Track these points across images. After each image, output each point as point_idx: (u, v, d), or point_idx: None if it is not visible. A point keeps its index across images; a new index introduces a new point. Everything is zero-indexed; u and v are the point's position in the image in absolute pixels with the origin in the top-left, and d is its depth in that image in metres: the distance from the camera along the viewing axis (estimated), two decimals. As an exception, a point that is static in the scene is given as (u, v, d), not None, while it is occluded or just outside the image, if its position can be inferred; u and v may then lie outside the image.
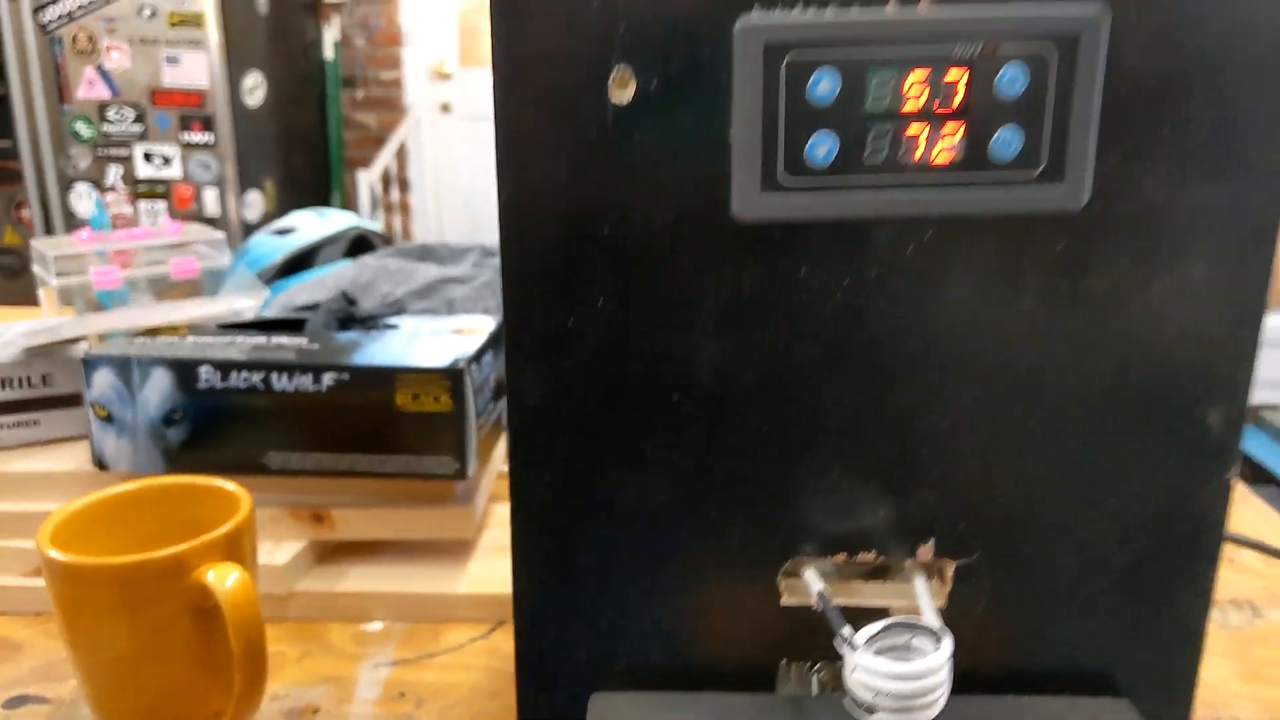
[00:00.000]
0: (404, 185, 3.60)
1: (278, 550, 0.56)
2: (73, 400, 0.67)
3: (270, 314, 0.81)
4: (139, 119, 2.75)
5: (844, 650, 0.26)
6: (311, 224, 1.22)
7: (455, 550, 0.60)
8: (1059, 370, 0.27)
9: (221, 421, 0.58)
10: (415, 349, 0.60)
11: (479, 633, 0.54)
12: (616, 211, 0.26)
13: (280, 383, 0.57)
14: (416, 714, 0.46)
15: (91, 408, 0.58)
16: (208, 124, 2.76)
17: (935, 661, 0.25)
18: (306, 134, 3.40)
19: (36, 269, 1.02)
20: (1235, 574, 0.64)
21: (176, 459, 0.58)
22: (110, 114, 2.75)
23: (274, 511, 0.57)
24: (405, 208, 3.63)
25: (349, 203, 3.55)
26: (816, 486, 0.28)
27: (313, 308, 0.85)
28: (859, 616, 0.29)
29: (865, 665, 0.25)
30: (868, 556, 0.29)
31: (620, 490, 0.28)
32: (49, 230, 2.85)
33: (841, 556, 0.29)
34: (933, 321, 0.27)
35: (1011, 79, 0.24)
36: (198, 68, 2.73)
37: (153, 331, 0.67)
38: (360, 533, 0.58)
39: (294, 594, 0.56)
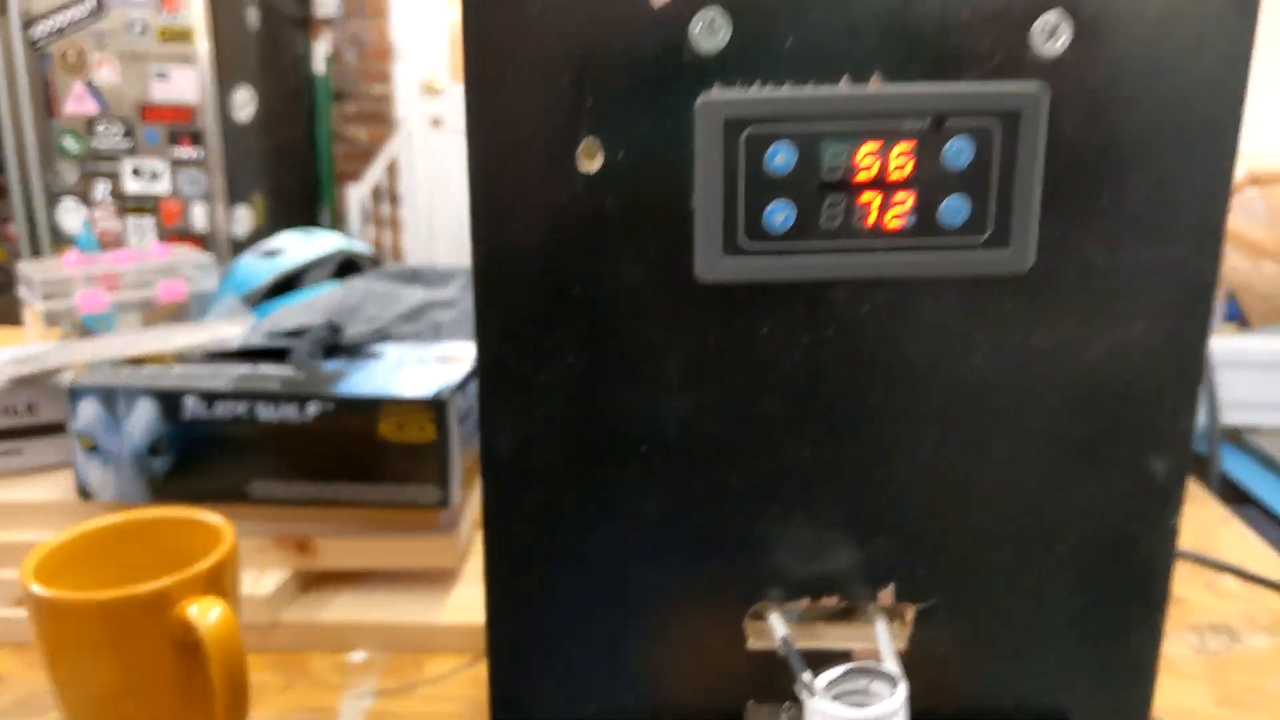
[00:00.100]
0: (395, 199, 3.60)
1: (262, 579, 0.57)
2: (57, 429, 0.67)
3: (258, 337, 0.81)
4: (128, 134, 2.75)
5: (803, 696, 0.27)
6: (299, 245, 1.22)
7: (439, 579, 0.60)
8: (1010, 423, 0.28)
9: (206, 451, 0.58)
10: (400, 378, 0.61)
11: (462, 662, 0.54)
12: (586, 273, 0.27)
13: (265, 413, 0.57)
14: (398, 746, 0.47)
15: (77, 438, 0.59)
16: (197, 139, 2.76)
17: (890, 707, 0.26)
18: (296, 148, 3.40)
19: (23, 291, 1.02)
20: (1215, 598, 0.65)
21: (161, 488, 0.58)
22: (99, 129, 2.75)
23: (258, 541, 0.58)
24: (396, 222, 3.64)
25: (339, 217, 3.55)
26: (780, 534, 0.29)
27: (300, 332, 0.85)
28: (824, 658, 0.30)
29: (822, 711, 0.26)
30: (831, 601, 0.30)
31: (591, 538, 0.29)
32: (35, 245, 2.84)
33: (805, 601, 0.30)
34: (889, 377, 0.28)
35: (958, 151, 0.25)
36: (187, 83, 2.74)
37: (138, 360, 0.67)
38: (344, 562, 0.59)
39: (277, 624, 0.56)
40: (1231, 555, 0.71)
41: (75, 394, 0.58)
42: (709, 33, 0.25)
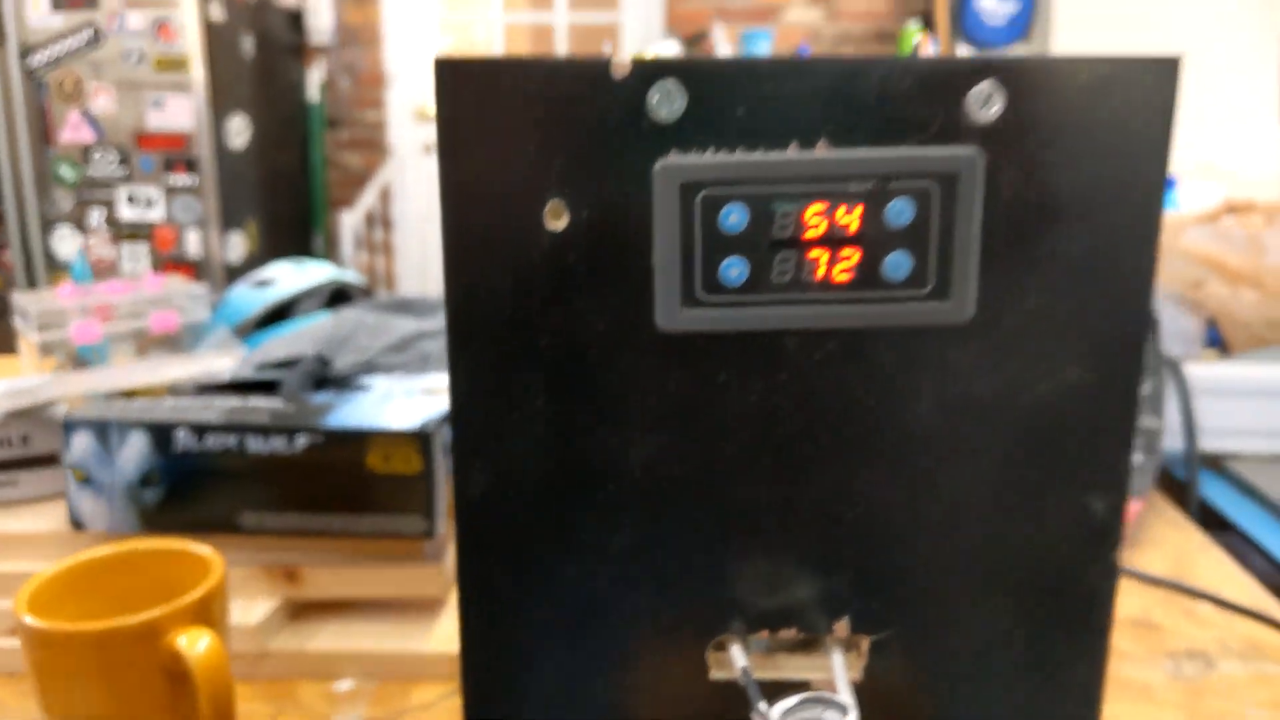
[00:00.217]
0: (387, 225, 3.62)
1: (251, 609, 0.57)
2: (51, 460, 0.67)
3: (249, 367, 0.82)
4: (123, 162, 2.77)
5: (760, 723, 0.29)
6: (291, 276, 1.24)
7: (425, 608, 0.60)
8: (956, 463, 0.30)
9: (197, 482, 0.59)
10: (387, 410, 0.61)
11: (448, 690, 0.55)
12: (554, 323, 0.28)
13: (255, 445, 0.58)
14: (382, 774, 0.48)
15: (70, 470, 0.59)
16: (191, 166, 2.78)
17: (841, 734, 0.27)
18: (290, 175, 3.42)
19: (18, 322, 1.03)
20: (1191, 625, 0.66)
21: (152, 519, 0.59)
22: (94, 157, 2.76)
23: (248, 570, 0.58)
24: (389, 247, 3.65)
25: (332, 243, 3.56)
26: (741, 568, 0.31)
27: (290, 362, 0.86)
28: (784, 688, 0.31)
29: (777, 738, 0.28)
30: (789, 632, 0.31)
31: (560, 573, 0.31)
32: (30, 272, 2.84)
33: (765, 633, 0.31)
34: (840, 420, 0.29)
35: (900, 211, 0.27)
36: (183, 111, 2.75)
37: (131, 393, 0.68)
38: (332, 591, 0.59)
39: (266, 653, 0.57)
40: (1209, 582, 0.72)
41: (69, 427, 0.59)
42: (666, 102, 0.26)
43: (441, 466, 0.58)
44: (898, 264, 0.28)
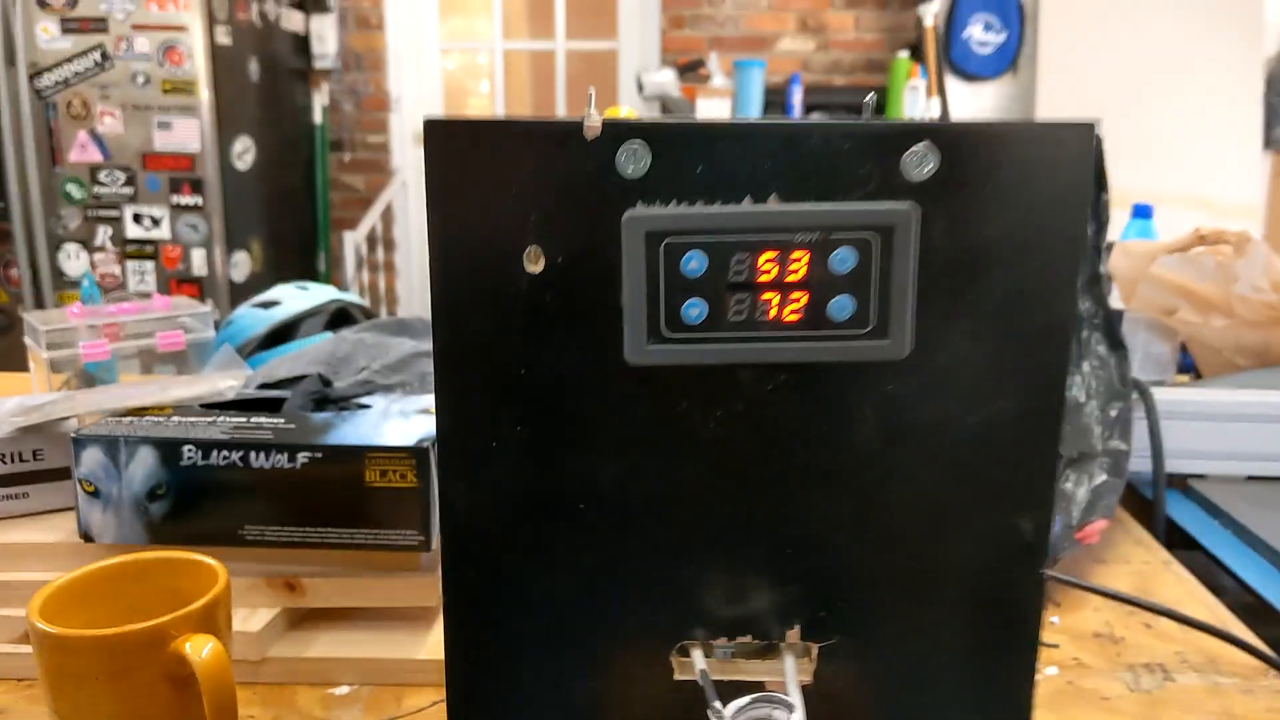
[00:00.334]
0: (389, 245, 3.65)
1: (252, 617, 0.59)
2: (62, 474, 0.69)
3: (253, 386, 0.85)
4: (129, 181, 2.80)
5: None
6: (294, 298, 1.27)
7: (419, 616, 0.62)
8: (896, 486, 0.33)
9: (202, 496, 0.61)
10: (384, 428, 0.63)
11: (441, 696, 0.57)
12: (531, 357, 0.31)
13: (258, 461, 0.60)
14: (375, 775, 0.50)
15: (79, 483, 0.61)
16: (197, 186, 2.81)
17: (787, 729, 0.30)
18: (294, 196, 3.45)
19: (29, 340, 1.06)
20: (1151, 639, 0.68)
21: (158, 531, 0.61)
22: (101, 176, 2.79)
23: (249, 580, 0.60)
24: (391, 267, 3.68)
25: (335, 263, 3.59)
26: (701, 581, 0.33)
27: (293, 380, 0.89)
28: (742, 689, 0.34)
29: (730, 733, 0.31)
30: (746, 639, 0.34)
31: (536, 584, 0.33)
32: (37, 289, 2.87)
33: (724, 639, 0.34)
34: (790, 446, 0.32)
35: (843, 258, 0.30)
36: (189, 132, 2.79)
37: (139, 410, 0.70)
38: (330, 600, 0.61)
39: (265, 659, 0.59)
40: (1171, 598, 0.74)
41: (79, 442, 0.61)
42: (633, 160, 0.30)
43: (436, 481, 0.61)
44: (841, 306, 0.31)
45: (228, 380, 0.78)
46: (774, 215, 0.30)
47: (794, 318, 0.31)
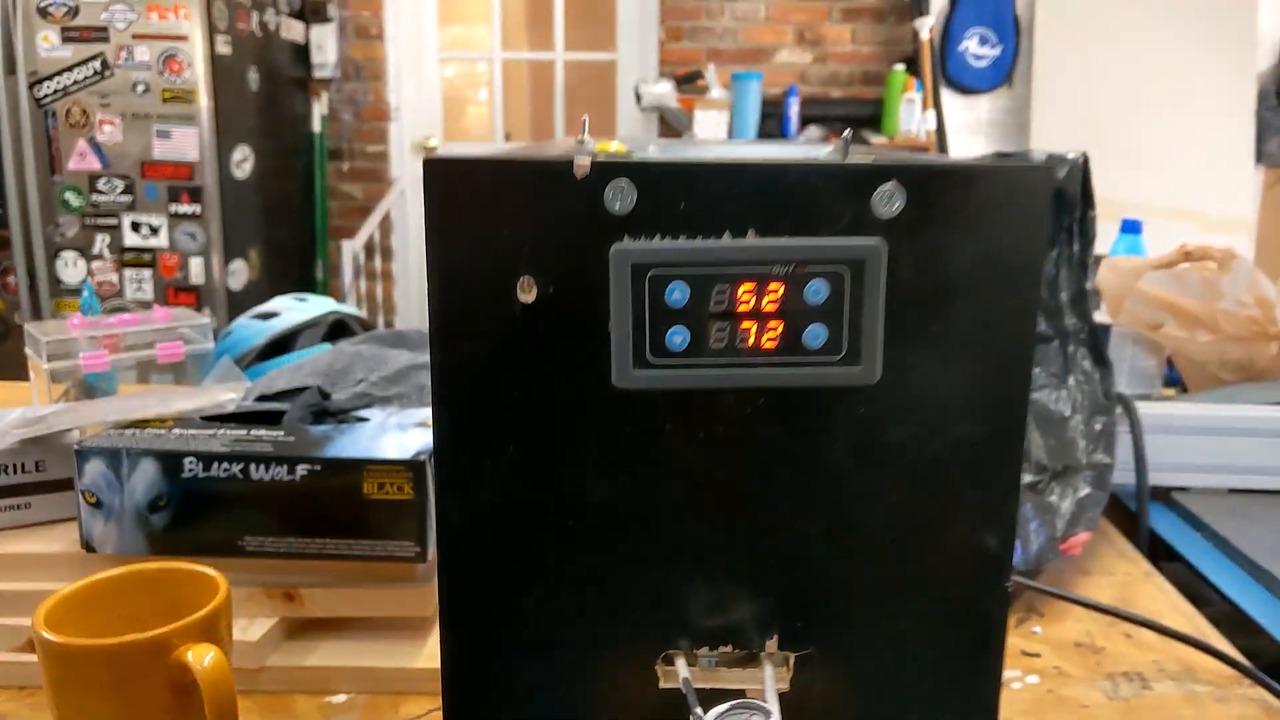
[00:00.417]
0: (387, 254, 3.66)
1: (251, 626, 0.60)
2: (63, 485, 0.70)
3: (251, 398, 0.86)
4: (128, 190, 2.80)
5: (696, 725, 0.34)
6: (293, 309, 1.28)
7: (415, 626, 0.63)
8: (869, 503, 0.34)
9: (203, 508, 0.61)
10: (382, 441, 0.64)
11: (436, 704, 0.57)
12: (525, 381, 0.33)
13: (258, 473, 0.61)
14: (372, 779, 0.51)
15: (82, 495, 0.61)
16: (195, 195, 2.81)
17: (764, 734, 0.32)
18: (292, 204, 3.46)
19: (29, 351, 1.08)
20: (1130, 648, 0.70)
21: (159, 542, 0.61)
22: (100, 185, 2.79)
23: (249, 590, 0.61)
24: (388, 275, 3.70)
25: (333, 271, 3.60)
26: (685, 593, 0.35)
27: (291, 392, 0.90)
28: (724, 696, 0.36)
29: (710, 737, 0.32)
30: (727, 649, 0.36)
31: (528, 596, 0.35)
32: (34, 297, 2.87)
33: (706, 648, 0.36)
34: (769, 465, 0.34)
35: (817, 290, 0.32)
36: (188, 141, 2.79)
37: (141, 423, 0.70)
38: (328, 610, 0.62)
39: (265, 668, 0.60)
40: (1151, 609, 0.76)
41: (82, 454, 0.62)
42: (619, 197, 0.31)
43: (433, 494, 0.60)
44: (816, 334, 0.33)
45: (228, 393, 0.79)
46: (752, 249, 0.32)
47: (771, 345, 0.33)
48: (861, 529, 0.35)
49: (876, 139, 3.32)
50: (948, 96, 3.47)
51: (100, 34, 2.73)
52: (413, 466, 0.60)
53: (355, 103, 3.59)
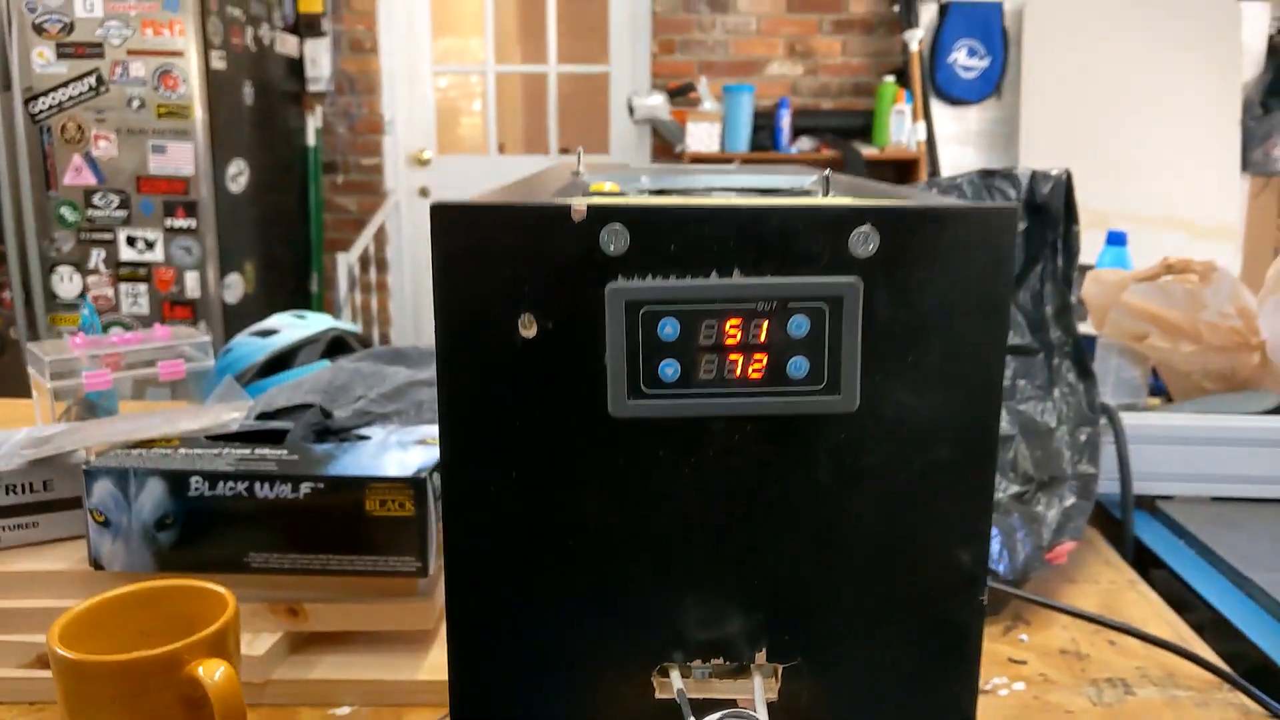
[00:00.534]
0: (382, 266, 3.68)
1: (256, 641, 0.61)
2: (70, 504, 0.71)
3: (252, 415, 0.88)
4: (124, 204, 2.81)
5: (690, 734, 0.36)
6: (292, 326, 1.30)
7: (417, 639, 0.65)
8: (850, 522, 0.37)
9: (209, 525, 0.63)
10: (384, 459, 0.65)
11: (438, 716, 0.60)
12: (527, 411, 0.35)
13: (262, 491, 0.62)
14: (378, 790, 0.53)
15: (90, 513, 0.63)
16: (191, 209, 2.83)
17: (752, 740, 0.34)
18: (287, 217, 3.47)
19: (32, 370, 1.09)
20: (1114, 655, 0.72)
21: (166, 559, 0.63)
22: (96, 200, 2.81)
23: (254, 606, 0.62)
24: (383, 287, 3.71)
25: (328, 284, 3.61)
26: (678, 609, 0.37)
27: (293, 409, 0.92)
28: (716, 705, 0.38)
29: (703, 744, 0.34)
30: (718, 661, 0.38)
31: (530, 612, 0.37)
32: (29, 310, 2.88)
33: (698, 661, 0.38)
34: (756, 489, 0.36)
35: (799, 324, 0.34)
36: (183, 156, 2.81)
37: (147, 442, 0.71)
38: (331, 625, 0.63)
39: (270, 681, 0.61)
40: (1135, 616, 0.78)
41: (91, 474, 0.63)
42: (614, 240, 0.34)
43: (433, 511, 0.62)
44: (798, 366, 0.35)
45: (232, 412, 0.81)
46: (738, 287, 0.34)
47: (757, 376, 0.35)
48: (843, 547, 0.37)
49: (867, 150, 3.35)
50: (937, 107, 3.50)
51: (95, 50, 2.74)
52: (414, 484, 0.62)
53: (349, 116, 3.61)
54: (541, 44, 3.71)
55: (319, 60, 3.49)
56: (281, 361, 1.27)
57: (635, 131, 3.64)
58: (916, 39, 3.37)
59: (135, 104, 2.77)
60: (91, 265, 2.84)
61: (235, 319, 2.94)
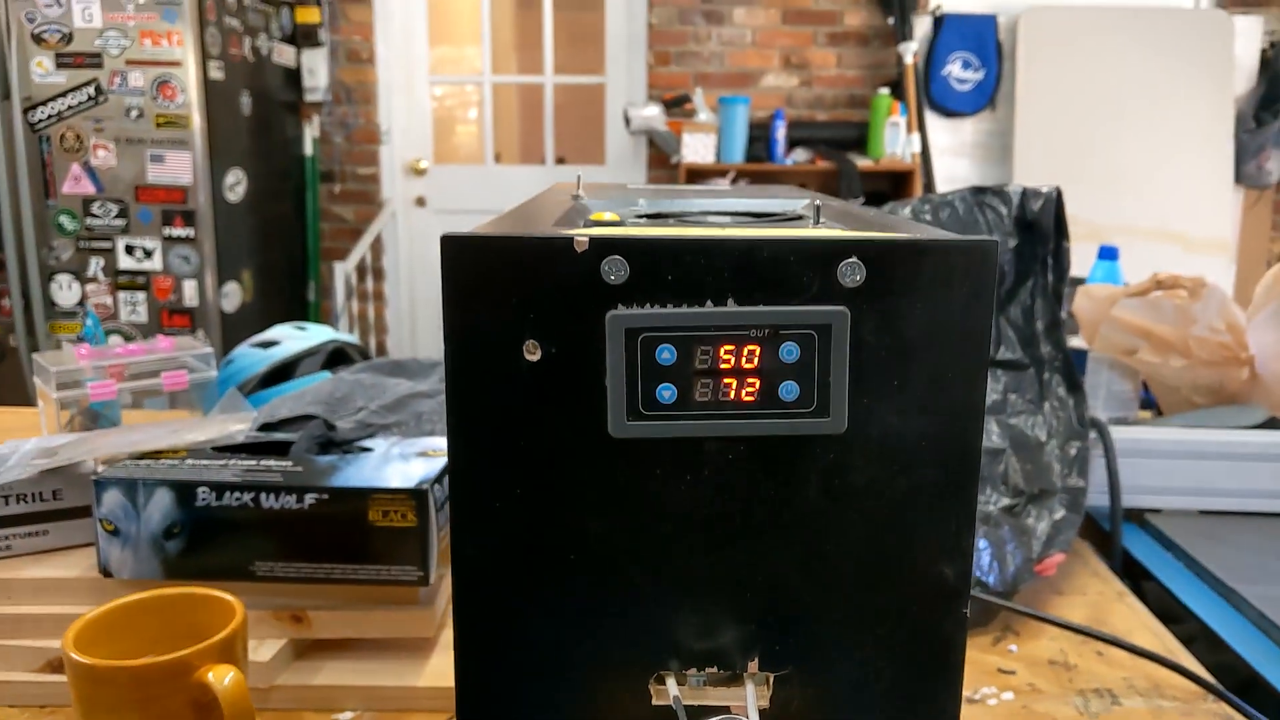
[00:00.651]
0: (378, 275, 3.69)
1: (261, 647, 0.63)
2: (79, 512, 0.73)
3: (255, 425, 0.89)
4: (122, 213, 2.82)
5: (685, 739, 0.37)
6: (292, 338, 1.32)
7: (418, 647, 0.66)
8: (838, 538, 0.38)
9: (215, 535, 0.64)
10: (386, 471, 0.67)
11: None
12: (531, 431, 0.37)
13: (268, 501, 0.64)
14: (382, 795, 0.54)
15: (100, 523, 0.64)
16: (189, 218, 2.84)
17: (744, 745, 0.36)
18: (285, 227, 3.48)
19: (37, 380, 1.11)
20: (1102, 666, 0.74)
21: (174, 567, 0.64)
22: (94, 208, 2.82)
23: (259, 613, 0.64)
24: (380, 295, 3.72)
25: (325, 293, 3.62)
26: (674, 620, 0.39)
27: (294, 420, 0.94)
28: (711, 712, 0.40)
29: (698, 749, 0.36)
30: (713, 669, 0.40)
31: (534, 622, 0.39)
32: (29, 318, 2.89)
33: (694, 669, 0.40)
34: (749, 505, 0.38)
35: (789, 350, 0.36)
36: (181, 165, 2.82)
37: (155, 453, 0.72)
38: (335, 632, 0.65)
39: (275, 687, 0.62)
40: (1122, 628, 0.79)
41: (101, 484, 0.64)
42: (614, 270, 0.36)
43: (434, 521, 0.63)
44: (789, 389, 0.37)
45: (237, 424, 0.82)
46: (732, 315, 0.36)
47: (750, 399, 0.37)
48: (832, 562, 0.39)
49: (862, 161, 3.37)
50: (932, 119, 3.53)
51: (94, 60, 2.76)
52: (416, 495, 0.63)
53: (346, 126, 3.63)
54: (538, 54, 3.73)
55: (316, 70, 3.51)
56: (282, 372, 1.29)
57: (631, 142, 3.67)
58: (911, 51, 3.40)
59: (134, 114, 2.78)
60: (90, 273, 2.85)
61: (233, 327, 2.95)
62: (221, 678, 0.51)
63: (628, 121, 3.46)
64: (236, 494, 0.64)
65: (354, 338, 1.32)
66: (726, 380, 0.37)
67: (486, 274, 0.36)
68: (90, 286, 2.86)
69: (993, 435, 0.89)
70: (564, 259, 0.35)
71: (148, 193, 2.82)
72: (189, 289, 2.88)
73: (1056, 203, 0.97)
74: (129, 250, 2.84)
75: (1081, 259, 1.19)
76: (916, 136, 3.40)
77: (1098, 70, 3.42)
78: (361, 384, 1.10)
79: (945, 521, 0.38)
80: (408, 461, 0.71)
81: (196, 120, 2.79)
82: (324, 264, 3.63)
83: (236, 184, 3.03)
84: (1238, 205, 3.58)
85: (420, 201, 3.79)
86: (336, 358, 1.32)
